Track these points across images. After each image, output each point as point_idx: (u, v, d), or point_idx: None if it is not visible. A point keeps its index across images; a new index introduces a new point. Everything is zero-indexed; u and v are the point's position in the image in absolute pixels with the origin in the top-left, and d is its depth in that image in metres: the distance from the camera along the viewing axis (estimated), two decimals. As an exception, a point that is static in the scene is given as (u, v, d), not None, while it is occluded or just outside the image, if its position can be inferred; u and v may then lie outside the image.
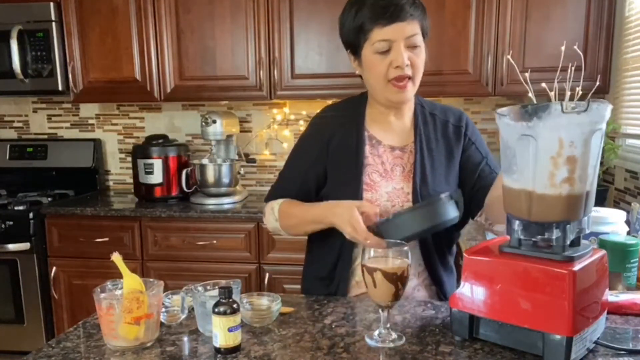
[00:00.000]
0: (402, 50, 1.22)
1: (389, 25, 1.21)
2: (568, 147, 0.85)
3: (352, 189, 1.32)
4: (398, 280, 0.98)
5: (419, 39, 1.25)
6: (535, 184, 0.89)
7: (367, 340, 1.02)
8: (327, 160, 1.37)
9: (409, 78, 1.25)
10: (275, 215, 1.39)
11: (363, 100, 1.41)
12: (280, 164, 2.22)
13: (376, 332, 1.03)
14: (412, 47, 1.24)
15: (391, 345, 1.00)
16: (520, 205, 0.92)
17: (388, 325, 1.02)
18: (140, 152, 2.76)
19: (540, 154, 0.86)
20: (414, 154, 1.35)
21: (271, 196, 1.45)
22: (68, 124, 3.25)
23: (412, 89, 1.28)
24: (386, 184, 1.34)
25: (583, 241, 0.94)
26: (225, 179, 2.71)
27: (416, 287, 1.35)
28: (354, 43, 1.29)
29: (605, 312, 0.98)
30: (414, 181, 1.32)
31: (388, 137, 1.37)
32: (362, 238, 1.14)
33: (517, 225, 0.93)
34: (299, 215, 1.36)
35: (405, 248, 1.01)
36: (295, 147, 1.46)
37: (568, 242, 0.89)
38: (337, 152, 1.37)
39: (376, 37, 1.23)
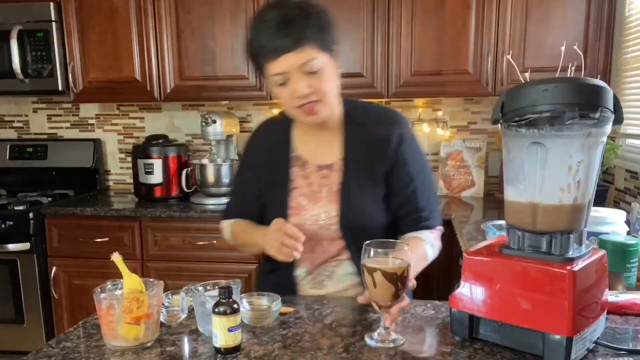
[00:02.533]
0: (300, 80, 1.16)
1: (279, 58, 1.15)
2: (577, 156, 0.86)
3: (278, 213, 1.29)
4: (398, 280, 0.98)
5: (316, 64, 1.16)
6: (543, 194, 0.89)
7: (367, 340, 1.02)
8: (261, 183, 1.36)
9: (317, 101, 1.19)
10: (228, 236, 1.45)
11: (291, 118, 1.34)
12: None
13: (376, 332, 1.02)
14: (310, 73, 1.16)
15: (391, 345, 0.99)
16: (524, 217, 0.92)
17: (388, 325, 1.02)
18: (140, 152, 2.76)
19: (549, 162, 0.87)
20: (341, 173, 1.30)
21: (224, 214, 1.47)
22: (68, 124, 3.25)
23: (323, 110, 1.22)
24: (312, 207, 1.30)
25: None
26: (225, 179, 2.71)
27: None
28: (258, 71, 1.24)
29: (605, 312, 0.98)
30: (340, 203, 1.28)
31: (316, 155, 1.33)
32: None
33: (519, 236, 0.93)
34: (244, 239, 1.40)
35: (406, 247, 1.01)
36: (238, 165, 1.48)
37: (571, 252, 0.90)
38: (267, 175, 1.35)
39: (270, 71, 1.18)
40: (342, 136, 1.31)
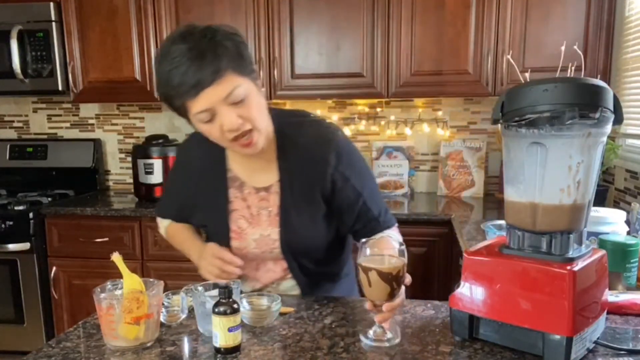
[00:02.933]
0: (227, 113, 1.07)
1: (199, 94, 1.05)
2: (577, 156, 0.86)
3: (221, 236, 1.27)
4: (393, 280, 0.98)
5: (240, 92, 1.07)
6: (543, 194, 0.89)
7: (362, 338, 1.01)
8: (197, 199, 1.32)
9: (251, 130, 1.11)
10: (164, 235, 1.46)
11: None
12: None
13: (371, 331, 1.02)
14: (236, 103, 1.07)
15: (386, 344, 0.99)
16: (524, 217, 0.92)
17: (379, 323, 1.01)
18: (140, 152, 2.76)
19: (549, 162, 0.87)
20: (279, 196, 1.25)
21: (158, 211, 1.47)
22: (68, 124, 3.25)
23: (260, 137, 1.13)
24: (253, 231, 1.26)
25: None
26: (225, 179, 2.70)
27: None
28: (176, 112, 1.14)
29: (605, 312, 0.98)
30: (280, 227, 1.25)
31: (252, 177, 1.27)
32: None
33: (519, 236, 0.93)
34: (179, 247, 1.41)
35: (402, 247, 1.01)
36: (170, 173, 1.44)
37: (571, 252, 0.90)
38: (203, 195, 1.30)
39: (193, 110, 1.08)
40: (276, 156, 1.24)
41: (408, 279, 1.04)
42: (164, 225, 1.46)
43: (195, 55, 1.03)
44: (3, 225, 2.59)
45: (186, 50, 1.04)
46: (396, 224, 1.35)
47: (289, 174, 1.24)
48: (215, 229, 1.30)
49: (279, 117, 1.24)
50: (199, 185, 1.31)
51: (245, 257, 1.27)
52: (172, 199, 1.42)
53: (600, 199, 2.29)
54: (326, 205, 1.25)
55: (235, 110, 1.07)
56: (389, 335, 1.01)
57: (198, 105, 1.06)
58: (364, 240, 1.05)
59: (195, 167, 1.31)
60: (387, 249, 1.05)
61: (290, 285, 1.32)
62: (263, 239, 1.26)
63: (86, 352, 1.00)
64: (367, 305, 1.02)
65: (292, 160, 1.24)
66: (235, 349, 0.97)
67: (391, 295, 0.99)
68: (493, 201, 2.72)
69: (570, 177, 0.87)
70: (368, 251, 1.01)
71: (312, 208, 1.25)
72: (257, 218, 1.27)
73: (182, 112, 1.11)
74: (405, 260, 1.00)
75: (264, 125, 1.16)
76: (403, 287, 1.04)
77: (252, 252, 1.27)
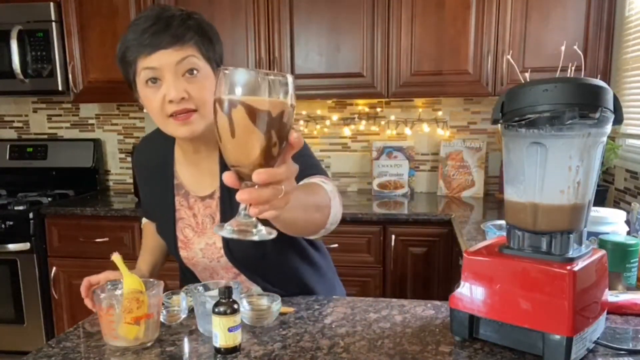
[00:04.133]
0: (175, 82, 1.03)
1: (153, 53, 1.03)
2: (577, 156, 0.86)
3: (169, 245, 1.26)
4: (273, 125, 0.62)
5: (196, 64, 1.05)
6: (543, 195, 0.89)
7: (216, 230, 0.68)
8: (148, 205, 1.32)
9: (194, 110, 1.06)
10: None
11: (172, 138, 1.20)
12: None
13: (232, 221, 0.67)
14: (188, 73, 1.04)
15: (255, 238, 0.67)
16: (524, 217, 0.92)
17: (247, 210, 0.67)
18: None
19: (549, 162, 0.87)
20: (220, 201, 1.19)
21: (141, 210, 1.46)
22: (68, 124, 3.25)
23: (199, 121, 1.07)
24: (199, 240, 1.22)
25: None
26: (225, 179, 2.70)
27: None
28: (126, 76, 1.11)
29: (605, 312, 0.98)
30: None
31: (196, 185, 1.22)
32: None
33: (519, 236, 0.93)
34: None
35: (286, 77, 0.64)
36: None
37: (571, 252, 0.90)
38: (151, 200, 1.29)
39: (140, 66, 1.05)
40: (218, 161, 1.18)
41: (295, 134, 0.66)
42: (144, 222, 1.46)
43: (163, 21, 1.04)
44: (3, 225, 2.59)
45: (154, 16, 1.04)
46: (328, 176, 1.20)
47: None
48: (165, 238, 1.28)
49: None
50: (149, 191, 1.31)
51: (196, 267, 1.26)
52: (142, 200, 1.41)
53: (600, 199, 2.30)
54: None
55: (183, 83, 1.04)
56: (259, 227, 0.68)
57: (148, 62, 1.04)
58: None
59: (145, 172, 1.30)
60: (310, 187, 0.93)
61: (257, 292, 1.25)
62: (208, 247, 1.22)
63: (86, 352, 1.00)
64: (227, 176, 0.66)
65: None
66: (235, 349, 0.97)
67: (266, 156, 0.64)
68: (493, 201, 2.72)
69: (570, 177, 0.87)
70: (238, 76, 0.62)
71: None
72: (202, 226, 1.22)
73: (132, 72, 1.08)
74: (291, 101, 0.65)
75: (208, 114, 1.07)
76: (292, 163, 0.68)
77: (200, 261, 1.24)
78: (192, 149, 1.18)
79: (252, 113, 0.61)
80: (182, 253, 1.25)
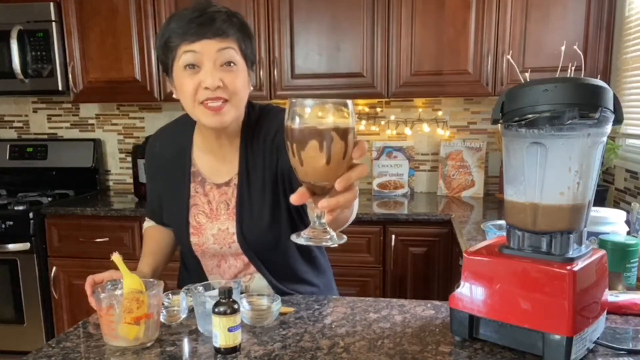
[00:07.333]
0: (212, 71, 1.08)
1: (198, 41, 1.08)
2: (577, 156, 0.86)
3: (180, 232, 1.27)
4: (345, 140, 0.68)
5: (234, 56, 1.11)
6: (543, 195, 0.89)
7: (293, 238, 0.74)
8: (160, 194, 1.33)
9: (226, 100, 1.10)
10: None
11: (192, 124, 1.26)
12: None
13: (307, 230, 0.74)
14: (225, 65, 1.10)
15: (329, 243, 0.72)
16: (524, 217, 0.92)
17: (323, 219, 0.73)
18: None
19: (549, 162, 0.87)
20: (237, 188, 1.23)
21: (146, 210, 1.47)
22: (68, 124, 3.25)
23: (230, 112, 1.12)
24: (211, 226, 1.24)
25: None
26: (225, 179, 2.71)
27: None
28: (165, 62, 1.15)
29: (605, 312, 0.98)
30: (237, 220, 1.22)
31: (214, 173, 1.25)
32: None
33: (519, 236, 0.93)
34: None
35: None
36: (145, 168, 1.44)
37: (571, 252, 0.90)
38: (167, 190, 1.31)
39: (182, 50, 1.09)
40: (239, 149, 1.23)
41: (362, 146, 0.72)
42: (145, 226, 1.47)
43: (209, 15, 1.09)
44: (3, 225, 2.59)
45: (201, 9, 1.10)
46: None
47: (248, 165, 1.22)
48: (176, 225, 1.30)
49: (253, 112, 1.24)
50: (164, 181, 1.32)
51: (205, 254, 1.27)
52: (149, 198, 1.42)
53: (600, 199, 2.30)
54: (283, 193, 1.21)
55: (220, 72, 1.10)
56: (332, 233, 0.73)
57: (191, 47, 1.08)
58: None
59: (161, 162, 1.32)
60: None
61: (260, 286, 1.28)
62: (221, 233, 1.24)
63: (86, 352, 1.00)
64: (295, 197, 0.72)
65: (253, 146, 1.22)
66: (235, 349, 0.97)
67: (339, 165, 0.69)
68: (493, 201, 2.72)
69: (570, 177, 0.87)
70: (305, 104, 0.68)
71: (271, 198, 1.22)
72: (216, 212, 1.25)
73: (171, 57, 1.12)
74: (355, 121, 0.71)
75: (239, 107, 1.16)
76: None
77: (211, 247, 1.25)
78: (215, 136, 1.21)
79: (339, 131, 0.68)
80: (193, 239, 1.26)
